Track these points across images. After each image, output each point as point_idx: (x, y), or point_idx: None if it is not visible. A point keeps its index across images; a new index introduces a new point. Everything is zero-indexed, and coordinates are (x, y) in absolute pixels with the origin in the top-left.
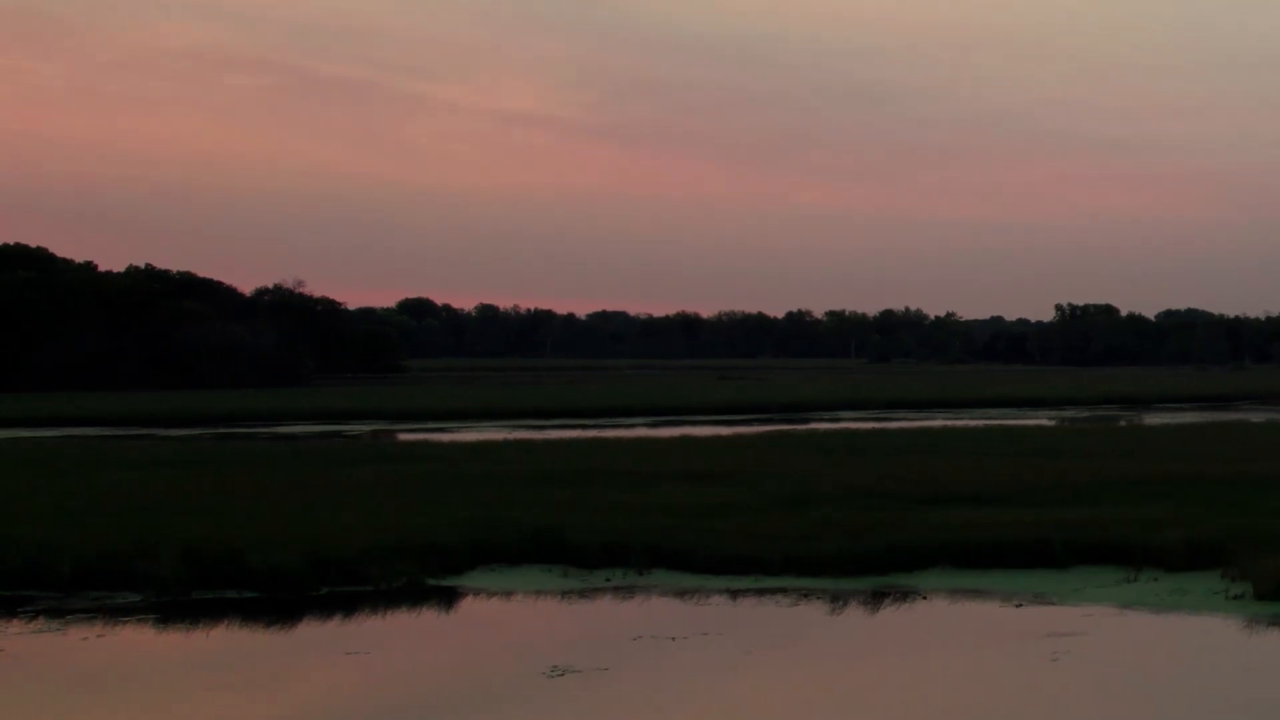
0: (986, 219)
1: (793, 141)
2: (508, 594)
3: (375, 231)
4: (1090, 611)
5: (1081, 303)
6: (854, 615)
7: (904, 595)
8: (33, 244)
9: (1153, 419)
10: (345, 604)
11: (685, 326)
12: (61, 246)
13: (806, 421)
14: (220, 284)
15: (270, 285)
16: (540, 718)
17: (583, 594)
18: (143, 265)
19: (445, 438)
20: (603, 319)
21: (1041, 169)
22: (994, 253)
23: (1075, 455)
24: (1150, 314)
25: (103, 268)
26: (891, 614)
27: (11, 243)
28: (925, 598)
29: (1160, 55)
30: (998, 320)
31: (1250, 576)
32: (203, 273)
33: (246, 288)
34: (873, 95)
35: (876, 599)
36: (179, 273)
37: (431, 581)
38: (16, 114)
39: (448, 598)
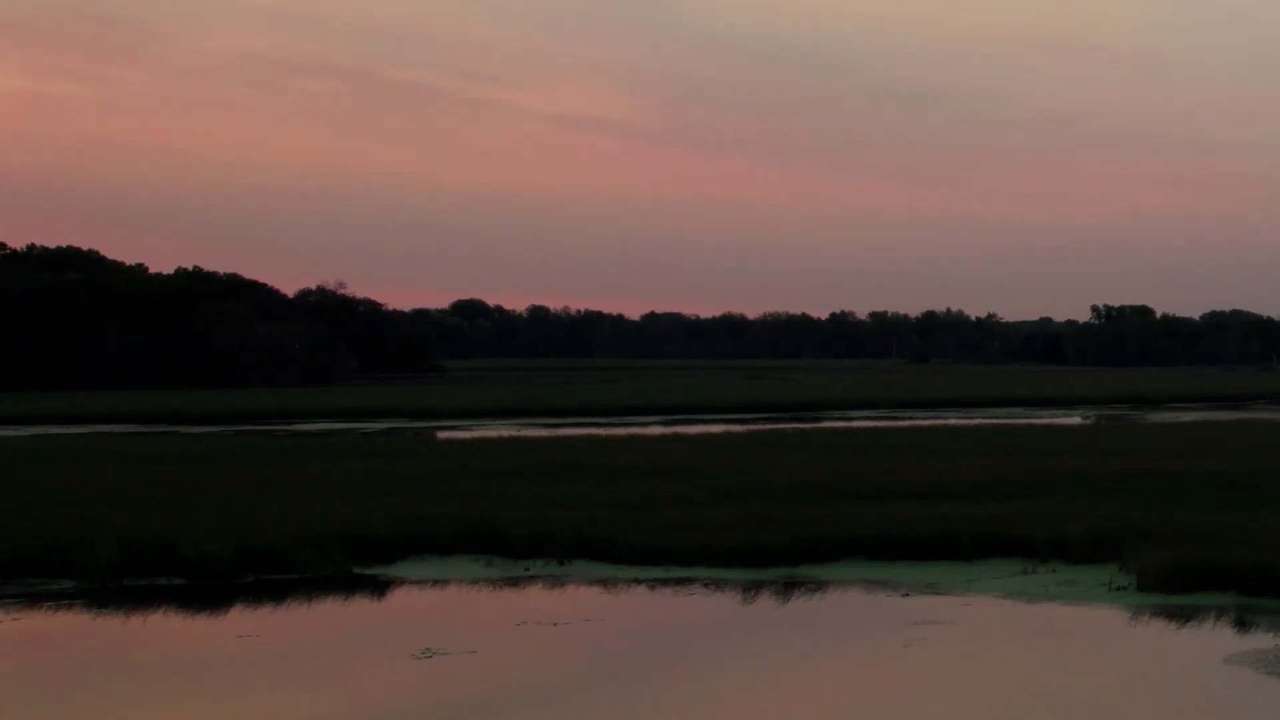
0: (1032, 220)
1: (841, 144)
2: (430, 582)
3: (432, 233)
4: (971, 601)
5: (1119, 304)
6: (742, 603)
7: (805, 585)
8: (86, 246)
9: (1151, 418)
10: (269, 591)
11: (730, 328)
12: (117, 249)
13: (817, 420)
14: (263, 285)
15: (313, 286)
16: (391, 693)
17: (497, 582)
18: (191, 267)
19: (448, 435)
20: (652, 320)
21: (1087, 171)
22: (1039, 254)
23: (1042, 453)
24: (1195, 315)
25: (154, 269)
26: (780, 603)
27: (64, 245)
28: (823, 588)
29: (1204, 57)
30: (1046, 321)
31: (1137, 569)
32: (259, 275)
33: (299, 289)
34: (919, 99)
35: (780, 589)
36: (225, 274)
37: (360, 570)
38: (100, 120)
39: (369, 586)
